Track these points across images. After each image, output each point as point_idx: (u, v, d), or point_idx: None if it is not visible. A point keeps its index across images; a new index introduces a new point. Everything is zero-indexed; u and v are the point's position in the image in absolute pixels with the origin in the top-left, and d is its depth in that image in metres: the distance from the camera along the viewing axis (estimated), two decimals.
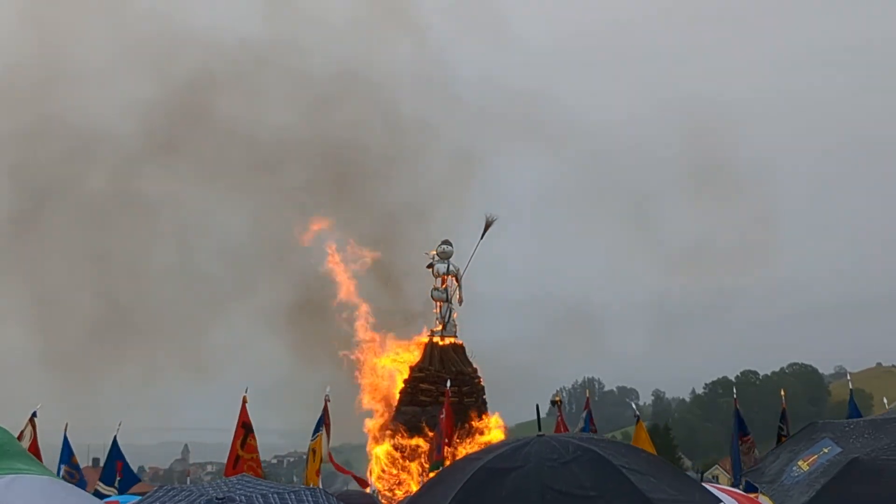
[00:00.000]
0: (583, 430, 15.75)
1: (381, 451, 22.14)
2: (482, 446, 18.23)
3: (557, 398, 18.07)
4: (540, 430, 4.12)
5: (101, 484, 15.37)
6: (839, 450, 4.91)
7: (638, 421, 15.96)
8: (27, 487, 3.71)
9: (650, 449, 14.80)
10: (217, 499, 3.46)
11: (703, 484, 7.43)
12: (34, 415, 14.67)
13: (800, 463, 5.00)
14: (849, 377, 19.03)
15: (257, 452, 14.28)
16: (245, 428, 14.20)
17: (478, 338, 24.78)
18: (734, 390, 16.23)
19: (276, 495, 3.58)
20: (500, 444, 4.12)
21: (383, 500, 18.33)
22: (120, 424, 16.00)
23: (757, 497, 7.39)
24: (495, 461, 3.84)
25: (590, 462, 3.75)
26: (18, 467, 3.83)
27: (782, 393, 15.81)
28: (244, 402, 14.26)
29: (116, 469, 15.59)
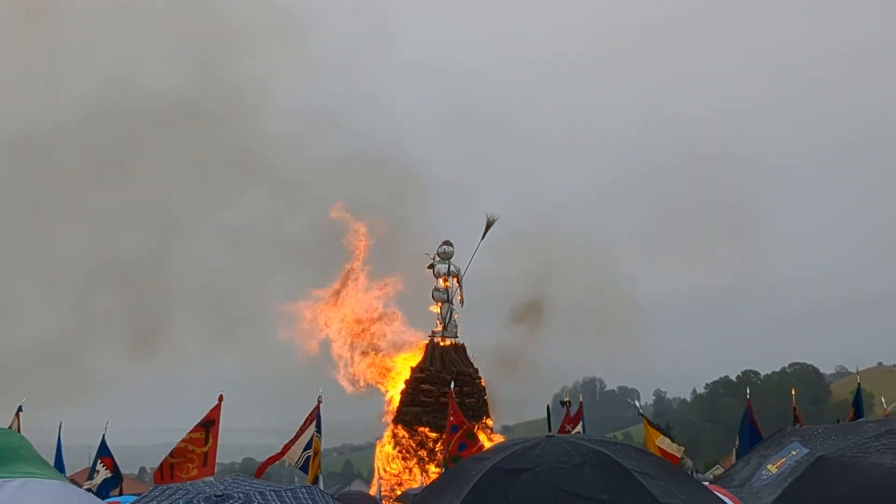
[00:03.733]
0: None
1: (382, 452, 22.20)
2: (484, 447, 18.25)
3: (567, 399, 18.09)
4: (550, 430, 4.12)
5: (86, 482, 15.39)
6: (807, 451, 4.98)
7: (643, 420, 15.93)
8: (38, 491, 3.74)
9: (655, 447, 14.81)
10: (215, 496, 3.50)
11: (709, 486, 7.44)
12: (20, 409, 14.60)
13: (769, 466, 5.08)
14: (857, 373, 18.98)
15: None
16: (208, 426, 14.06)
17: (479, 338, 24.83)
18: (748, 391, 16.04)
19: (273, 493, 3.63)
20: (509, 444, 4.09)
21: (384, 501, 18.32)
22: (108, 423, 15.96)
23: None
24: (506, 461, 3.82)
25: (601, 465, 3.74)
26: (31, 471, 3.86)
27: (793, 392, 15.66)
28: (220, 400, 14.13)
29: (104, 465, 15.58)
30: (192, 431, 13.77)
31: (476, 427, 20.95)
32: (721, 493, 6.74)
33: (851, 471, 4.66)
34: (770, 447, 5.28)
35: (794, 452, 5.00)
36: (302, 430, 14.43)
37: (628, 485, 3.67)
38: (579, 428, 16.17)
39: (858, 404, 15.17)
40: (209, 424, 13.83)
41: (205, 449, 13.76)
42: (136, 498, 7.93)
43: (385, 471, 21.50)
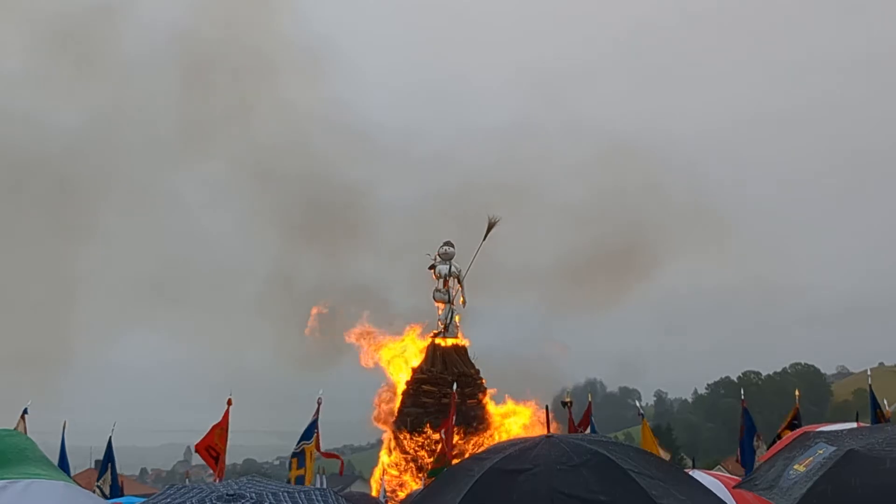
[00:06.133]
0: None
1: (383, 453, 22.22)
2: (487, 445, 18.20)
3: (568, 399, 18.09)
4: (549, 431, 4.10)
5: (98, 485, 15.34)
6: (834, 448, 5.05)
7: (643, 419, 15.98)
8: (43, 492, 3.73)
9: (654, 447, 14.87)
10: (227, 495, 3.52)
11: (694, 472, 7.49)
12: (25, 411, 14.54)
13: (796, 466, 5.14)
14: (869, 373, 18.94)
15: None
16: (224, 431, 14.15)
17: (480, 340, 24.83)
18: (742, 392, 16.17)
19: (286, 494, 3.64)
20: (508, 445, 4.07)
21: (386, 502, 18.31)
22: (115, 425, 15.91)
23: None
24: (504, 462, 3.80)
25: (599, 466, 3.72)
26: (36, 472, 3.84)
27: (797, 393, 15.78)
28: (229, 404, 14.17)
29: (108, 470, 15.56)
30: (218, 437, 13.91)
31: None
32: (712, 475, 6.79)
33: (883, 462, 4.72)
34: (794, 449, 5.35)
35: (820, 451, 5.07)
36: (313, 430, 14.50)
37: (626, 486, 3.65)
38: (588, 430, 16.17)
39: (874, 407, 14.93)
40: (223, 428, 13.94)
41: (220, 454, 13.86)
42: (139, 500, 7.94)
43: (386, 472, 21.47)
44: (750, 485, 5.54)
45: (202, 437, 13.78)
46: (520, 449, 3.89)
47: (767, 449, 14.14)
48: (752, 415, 15.35)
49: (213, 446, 13.90)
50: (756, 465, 14.37)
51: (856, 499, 4.68)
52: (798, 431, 7.79)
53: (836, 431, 5.49)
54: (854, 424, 9.75)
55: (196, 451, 14.52)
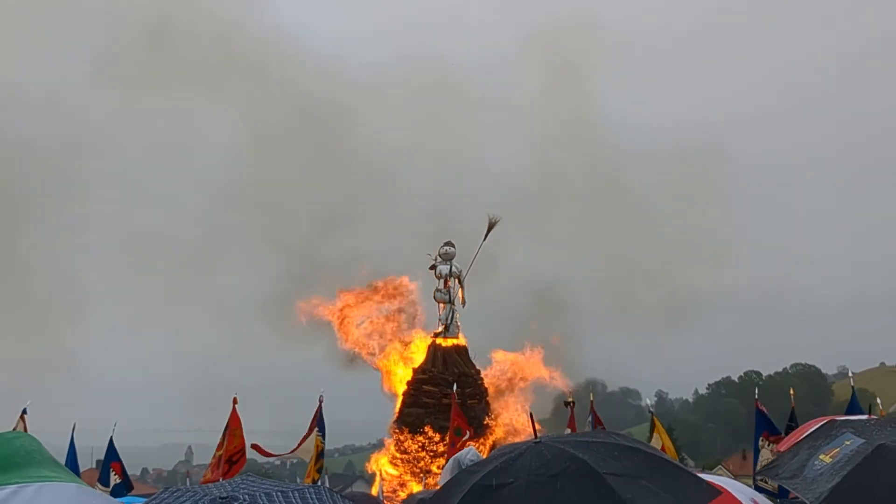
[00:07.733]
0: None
1: (384, 453, 22.22)
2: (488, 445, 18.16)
3: (571, 399, 18.18)
4: (536, 436, 4.05)
5: (98, 485, 15.31)
6: (862, 441, 4.95)
7: (653, 417, 16.11)
8: (54, 496, 3.69)
9: (667, 442, 14.99)
10: (220, 498, 3.49)
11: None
12: (24, 411, 14.48)
13: (821, 457, 5.03)
14: (850, 375, 18.91)
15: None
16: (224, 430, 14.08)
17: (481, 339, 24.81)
18: (756, 392, 16.20)
19: (279, 493, 3.62)
20: (498, 454, 4.07)
21: (386, 502, 18.28)
22: (115, 425, 15.90)
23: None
24: (488, 477, 3.80)
25: (577, 473, 3.71)
26: (46, 475, 3.79)
27: (791, 392, 15.83)
28: (234, 402, 14.16)
29: (113, 470, 15.53)
30: (221, 438, 13.87)
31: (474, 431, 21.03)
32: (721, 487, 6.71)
33: None
34: (819, 438, 5.24)
35: (847, 443, 4.97)
36: (310, 430, 14.49)
37: (600, 492, 3.64)
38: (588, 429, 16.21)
39: (854, 408, 14.93)
40: (225, 428, 13.89)
41: (220, 452, 13.78)
42: (140, 500, 7.93)
43: (387, 472, 21.45)
44: (772, 472, 5.44)
45: (201, 437, 13.80)
46: (505, 461, 3.87)
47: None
48: (749, 415, 15.35)
49: (233, 455, 13.80)
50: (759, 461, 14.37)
51: (884, 499, 4.63)
52: (814, 422, 7.69)
53: (862, 422, 5.41)
54: (865, 417, 9.69)
55: (222, 467, 14.16)
